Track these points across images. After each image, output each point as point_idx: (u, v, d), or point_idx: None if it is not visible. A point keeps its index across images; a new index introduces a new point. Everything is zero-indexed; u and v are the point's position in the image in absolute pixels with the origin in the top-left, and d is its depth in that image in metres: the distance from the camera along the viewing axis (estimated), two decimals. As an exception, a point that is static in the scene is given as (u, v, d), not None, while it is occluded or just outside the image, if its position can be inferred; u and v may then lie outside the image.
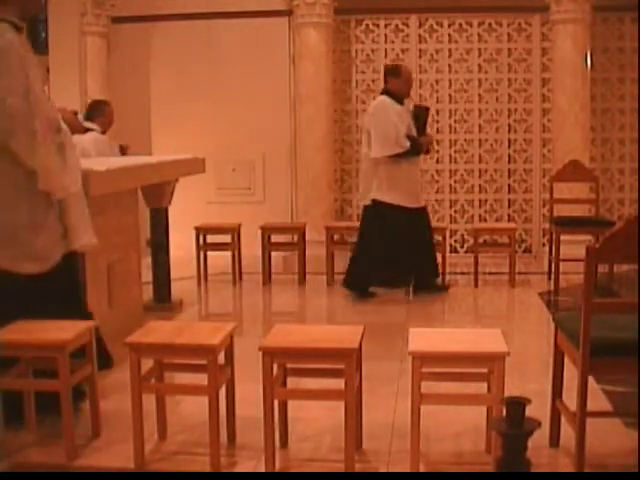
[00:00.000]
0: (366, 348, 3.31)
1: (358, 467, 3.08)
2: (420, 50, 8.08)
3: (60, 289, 3.58)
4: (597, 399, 3.66)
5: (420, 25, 8.07)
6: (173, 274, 5.96)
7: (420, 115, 6.25)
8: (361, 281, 6.21)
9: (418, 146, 6.14)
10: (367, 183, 6.19)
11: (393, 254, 6.06)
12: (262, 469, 3.09)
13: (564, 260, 6.24)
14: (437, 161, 8.16)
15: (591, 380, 3.13)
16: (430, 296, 6.14)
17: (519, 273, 6.72)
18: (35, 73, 3.44)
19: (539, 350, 4.68)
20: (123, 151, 6.54)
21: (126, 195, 5.08)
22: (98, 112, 6.37)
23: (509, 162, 8.09)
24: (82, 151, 5.23)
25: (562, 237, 6.39)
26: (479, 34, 8.02)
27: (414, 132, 6.15)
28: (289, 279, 6.85)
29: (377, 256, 6.07)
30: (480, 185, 8.14)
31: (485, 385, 3.26)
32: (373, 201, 6.13)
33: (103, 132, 6.33)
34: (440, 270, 6.40)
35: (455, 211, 8.20)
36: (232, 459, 3.22)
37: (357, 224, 6.54)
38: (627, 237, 2.86)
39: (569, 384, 3.23)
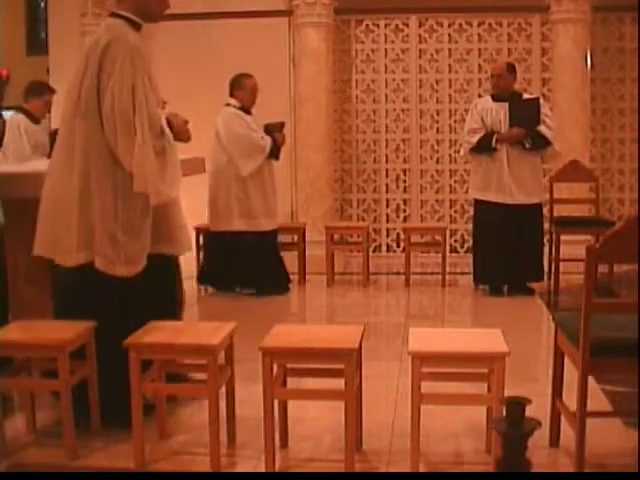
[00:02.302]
0: (366, 348, 3.31)
1: (358, 467, 3.08)
2: (420, 50, 8.08)
3: (156, 292, 3.54)
4: (597, 399, 3.66)
5: (420, 25, 8.07)
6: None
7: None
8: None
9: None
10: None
11: None
12: (262, 469, 3.09)
13: (564, 260, 6.24)
14: (437, 161, 8.16)
15: (591, 380, 3.13)
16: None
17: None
18: (145, 72, 3.40)
19: (539, 350, 4.68)
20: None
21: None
22: (237, 85, 6.39)
23: (509, 162, 8.08)
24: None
25: (562, 237, 6.40)
26: (479, 34, 8.02)
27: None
28: (289, 279, 6.84)
29: None
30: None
31: (485, 385, 3.26)
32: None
33: (243, 108, 6.36)
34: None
35: (455, 211, 8.20)
36: (232, 459, 3.22)
37: (357, 224, 6.57)
38: (627, 237, 2.85)
39: (569, 384, 3.23)
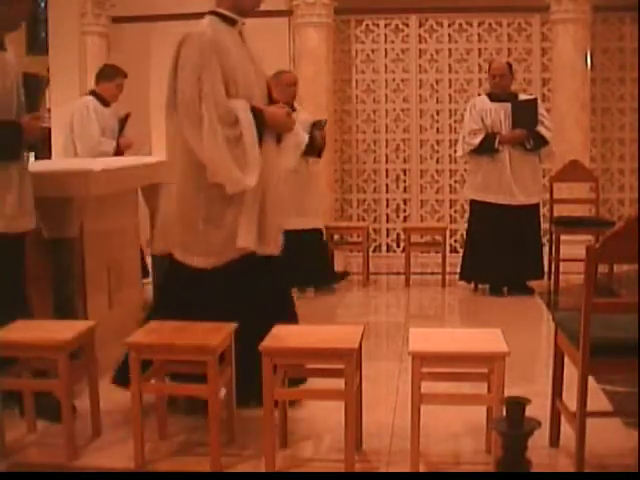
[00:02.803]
0: (366, 348, 3.31)
1: (358, 467, 3.08)
2: (420, 50, 8.08)
3: (231, 288, 3.53)
4: (597, 399, 3.66)
5: (420, 25, 8.07)
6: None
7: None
8: None
9: None
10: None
11: None
12: (262, 469, 3.09)
13: (564, 260, 6.24)
14: (437, 161, 8.16)
15: (591, 380, 3.13)
16: None
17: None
18: (218, 65, 3.44)
19: (539, 350, 4.68)
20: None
21: (126, 195, 5.08)
22: (275, 82, 6.31)
23: (509, 162, 8.08)
24: None
25: (562, 237, 6.40)
26: (479, 34, 8.02)
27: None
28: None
29: None
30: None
31: (485, 385, 3.26)
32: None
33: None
34: None
35: (455, 211, 8.19)
36: (232, 459, 3.22)
37: (357, 224, 6.56)
38: (627, 237, 2.85)
39: (569, 384, 3.23)
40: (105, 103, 6.28)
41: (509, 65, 6.33)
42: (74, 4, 7.94)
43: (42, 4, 12.64)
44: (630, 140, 7.97)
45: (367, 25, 8.11)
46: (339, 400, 3.04)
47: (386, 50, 8.14)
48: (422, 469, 3.06)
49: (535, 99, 6.29)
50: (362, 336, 3.19)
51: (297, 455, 3.27)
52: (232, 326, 3.30)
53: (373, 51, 8.15)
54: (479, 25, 8.01)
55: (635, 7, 7.29)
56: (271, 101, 3.71)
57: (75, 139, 6.09)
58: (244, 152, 3.42)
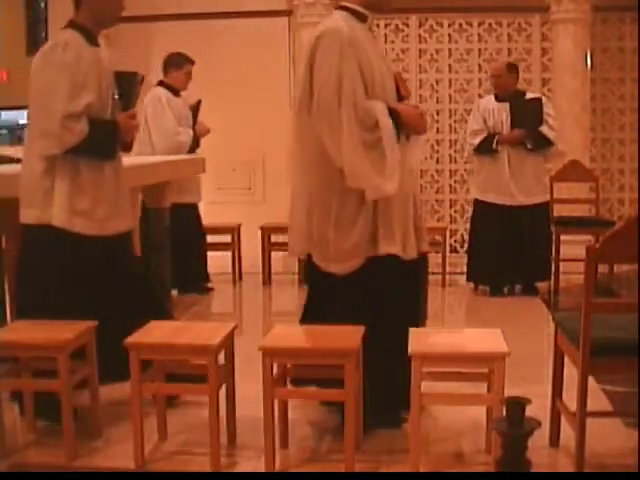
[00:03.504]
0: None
1: (358, 467, 3.08)
2: (420, 50, 8.08)
3: (363, 294, 3.41)
4: (597, 399, 3.65)
5: (420, 25, 8.07)
6: (173, 274, 5.96)
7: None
8: None
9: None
10: None
11: None
12: (262, 469, 3.09)
13: (564, 260, 6.24)
14: (437, 161, 8.15)
15: (591, 380, 3.13)
16: None
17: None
18: (358, 64, 3.31)
19: (539, 350, 4.68)
20: None
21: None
22: None
23: (509, 162, 8.08)
24: None
25: (562, 237, 6.39)
26: (479, 34, 8.02)
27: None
28: (289, 279, 6.85)
29: None
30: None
31: (485, 385, 3.26)
32: None
33: None
34: None
35: (455, 211, 8.19)
36: (232, 459, 3.22)
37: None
38: (627, 237, 2.85)
39: (569, 384, 3.23)
40: (175, 92, 6.20)
41: (512, 65, 6.33)
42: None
43: (42, 4, 12.64)
44: (630, 140, 7.96)
45: (367, 25, 8.10)
46: (339, 400, 3.04)
47: (386, 50, 8.12)
48: (422, 469, 3.06)
49: (539, 98, 6.27)
50: (362, 336, 3.19)
51: (297, 455, 3.27)
52: (232, 326, 3.30)
53: (373, 51, 8.15)
54: (479, 25, 8.00)
55: (635, 7, 7.28)
56: (399, 98, 3.56)
57: (151, 132, 5.99)
58: (383, 156, 3.30)
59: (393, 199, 3.37)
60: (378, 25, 8.06)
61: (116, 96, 3.60)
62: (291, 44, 8.01)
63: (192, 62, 6.33)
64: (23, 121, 13.32)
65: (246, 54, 7.93)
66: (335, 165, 3.30)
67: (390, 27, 8.09)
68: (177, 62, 6.28)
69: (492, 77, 6.27)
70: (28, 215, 3.52)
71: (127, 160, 5.34)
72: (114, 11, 3.60)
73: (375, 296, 3.41)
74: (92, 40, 3.55)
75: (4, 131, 13.34)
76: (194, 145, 6.20)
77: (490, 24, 8.01)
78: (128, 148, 3.79)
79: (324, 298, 3.46)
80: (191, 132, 6.14)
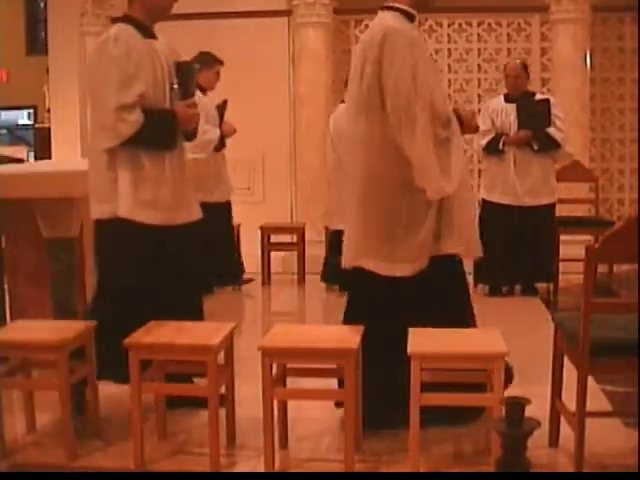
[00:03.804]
0: (366, 348, 3.30)
1: (358, 467, 3.08)
2: (420, 50, 8.07)
3: (431, 295, 3.39)
4: (597, 399, 3.65)
5: (420, 25, 8.06)
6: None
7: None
8: None
9: None
10: None
11: None
12: (262, 469, 3.09)
13: (564, 260, 6.24)
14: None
15: (591, 380, 3.13)
16: None
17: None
18: (425, 63, 3.35)
19: (539, 350, 4.67)
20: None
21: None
22: None
23: (509, 162, 8.08)
24: None
25: (562, 237, 6.39)
26: (479, 34, 8.02)
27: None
28: (289, 279, 6.84)
29: None
30: (480, 185, 8.13)
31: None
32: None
33: None
34: None
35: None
36: (232, 459, 3.22)
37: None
38: (627, 237, 2.85)
39: (569, 384, 3.23)
40: (203, 91, 6.21)
41: (524, 65, 6.33)
42: (74, 4, 7.94)
43: (42, 4, 12.64)
44: (630, 140, 7.97)
45: (367, 25, 8.08)
46: (339, 400, 3.04)
47: (386, 50, 8.13)
48: (422, 469, 3.06)
49: (548, 100, 6.26)
50: (362, 336, 3.19)
51: (297, 455, 3.27)
52: (232, 326, 3.30)
53: (373, 51, 8.14)
54: (479, 25, 8.00)
55: (635, 7, 7.29)
56: None
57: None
58: (449, 156, 3.31)
59: (453, 198, 3.36)
60: (378, 25, 8.07)
61: (175, 86, 3.58)
62: (291, 44, 8.00)
63: (221, 63, 6.38)
64: (23, 121, 13.34)
65: (246, 54, 7.93)
66: (406, 163, 3.27)
67: (390, 27, 8.09)
68: (207, 62, 6.30)
69: (509, 78, 6.25)
70: (99, 210, 3.52)
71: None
72: (166, 4, 3.60)
73: (436, 297, 3.40)
74: (146, 32, 3.55)
75: (4, 131, 13.35)
76: (220, 144, 6.21)
77: (490, 24, 8.01)
78: (191, 138, 3.76)
79: (377, 304, 3.38)
80: (218, 131, 6.15)
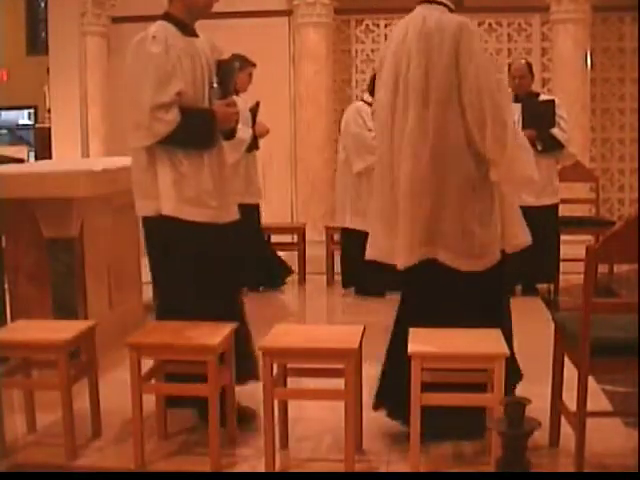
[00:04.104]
0: (366, 348, 3.31)
1: (358, 467, 3.08)
2: (420, 50, 8.07)
3: (488, 290, 3.37)
4: (597, 399, 3.65)
5: (420, 25, 8.06)
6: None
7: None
8: None
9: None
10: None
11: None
12: (262, 469, 3.09)
13: (564, 260, 6.23)
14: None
15: (591, 380, 3.13)
16: None
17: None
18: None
19: (539, 350, 4.67)
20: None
21: (126, 195, 5.07)
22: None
23: (509, 162, 8.08)
24: None
25: (562, 237, 6.39)
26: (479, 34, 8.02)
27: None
28: (288, 279, 6.84)
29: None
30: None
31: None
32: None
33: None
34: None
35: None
36: (232, 459, 3.22)
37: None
38: (627, 237, 2.85)
39: (569, 384, 3.23)
40: (235, 93, 6.22)
41: (529, 65, 6.31)
42: (74, 4, 7.95)
43: (42, 4, 12.65)
44: (630, 140, 7.97)
45: (367, 25, 8.11)
46: (339, 400, 3.04)
47: (386, 50, 8.14)
48: (422, 469, 3.06)
49: (552, 100, 6.24)
50: (362, 336, 3.19)
51: (297, 455, 3.27)
52: (232, 326, 3.30)
53: (373, 51, 8.15)
54: (479, 25, 7.99)
55: (635, 7, 7.29)
56: None
57: None
58: (525, 144, 3.35)
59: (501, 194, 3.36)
60: (378, 25, 8.07)
61: (214, 85, 3.53)
62: (291, 44, 8.01)
63: (254, 65, 6.37)
64: (23, 121, 13.35)
65: (246, 54, 7.91)
66: (478, 156, 3.23)
67: (390, 27, 8.08)
68: (240, 63, 6.29)
69: (515, 78, 6.23)
70: (144, 207, 3.49)
71: (128, 160, 5.35)
72: (206, 3, 3.55)
73: (497, 292, 3.43)
74: (186, 30, 3.52)
75: (4, 131, 13.35)
76: (252, 145, 6.20)
77: (490, 24, 8.02)
78: (229, 137, 3.71)
79: (450, 299, 3.32)
80: (250, 131, 6.15)
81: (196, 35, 3.55)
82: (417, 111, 3.27)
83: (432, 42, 3.25)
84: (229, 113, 3.51)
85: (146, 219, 3.49)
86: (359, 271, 5.93)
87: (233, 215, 3.61)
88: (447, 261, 3.27)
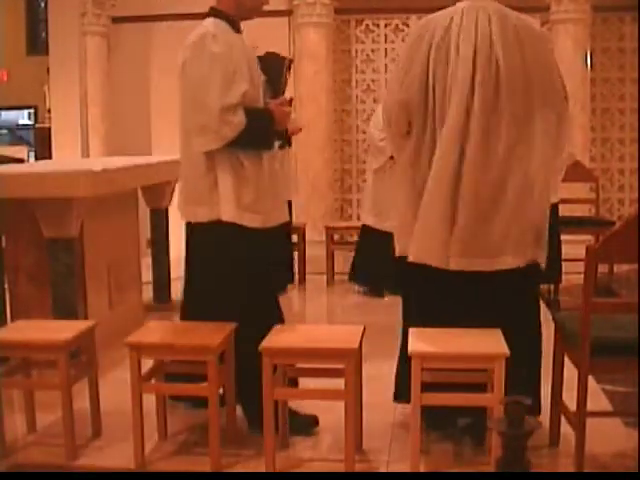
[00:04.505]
0: (366, 348, 3.31)
1: (358, 467, 3.08)
2: (420, 50, 8.07)
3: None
4: (597, 399, 3.65)
5: (420, 25, 8.06)
6: (173, 274, 5.96)
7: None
8: None
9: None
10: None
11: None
12: (262, 469, 3.09)
13: (564, 260, 6.23)
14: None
15: (591, 380, 3.13)
16: None
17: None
18: None
19: (539, 350, 4.68)
20: None
21: (126, 195, 5.08)
22: None
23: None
24: None
25: (563, 237, 6.39)
26: (479, 34, 8.01)
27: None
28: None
29: None
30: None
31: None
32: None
33: None
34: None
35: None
36: (232, 459, 3.22)
37: (357, 224, 6.54)
38: (627, 237, 2.85)
39: (569, 384, 3.23)
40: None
41: None
42: (74, 4, 7.95)
43: (42, 4, 12.65)
44: (630, 140, 7.97)
45: (367, 25, 8.11)
46: (339, 400, 3.04)
47: (386, 50, 8.14)
48: (422, 469, 3.06)
49: None
50: (362, 336, 3.19)
51: (297, 455, 3.27)
52: (232, 326, 3.30)
53: (373, 51, 8.15)
54: (479, 25, 7.99)
55: (635, 7, 7.29)
56: None
57: None
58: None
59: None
60: (378, 25, 8.07)
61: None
62: (291, 44, 8.00)
63: (291, 60, 6.34)
64: (23, 121, 13.35)
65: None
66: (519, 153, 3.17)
67: (390, 27, 8.09)
68: (289, 62, 6.25)
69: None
70: (197, 213, 3.35)
71: (127, 160, 5.35)
72: (257, 4, 3.46)
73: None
74: (235, 27, 3.41)
75: (4, 131, 13.36)
76: (285, 142, 6.17)
77: (490, 24, 8.00)
78: (281, 137, 3.63)
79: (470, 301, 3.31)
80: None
81: (241, 32, 3.44)
82: (462, 111, 3.11)
83: (490, 38, 3.10)
84: (285, 113, 3.43)
85: (198, 224, 3.38)
86: (376, 270, 5.94)
87: (284, 217, 3.55)
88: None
